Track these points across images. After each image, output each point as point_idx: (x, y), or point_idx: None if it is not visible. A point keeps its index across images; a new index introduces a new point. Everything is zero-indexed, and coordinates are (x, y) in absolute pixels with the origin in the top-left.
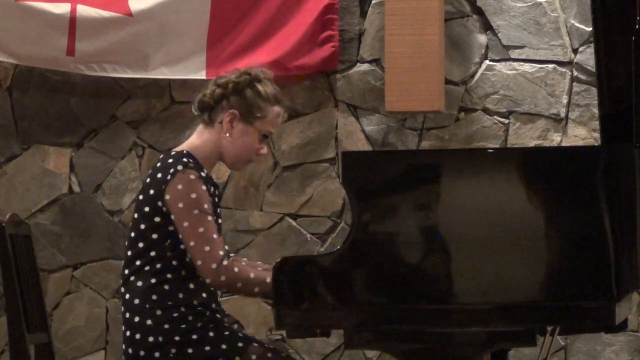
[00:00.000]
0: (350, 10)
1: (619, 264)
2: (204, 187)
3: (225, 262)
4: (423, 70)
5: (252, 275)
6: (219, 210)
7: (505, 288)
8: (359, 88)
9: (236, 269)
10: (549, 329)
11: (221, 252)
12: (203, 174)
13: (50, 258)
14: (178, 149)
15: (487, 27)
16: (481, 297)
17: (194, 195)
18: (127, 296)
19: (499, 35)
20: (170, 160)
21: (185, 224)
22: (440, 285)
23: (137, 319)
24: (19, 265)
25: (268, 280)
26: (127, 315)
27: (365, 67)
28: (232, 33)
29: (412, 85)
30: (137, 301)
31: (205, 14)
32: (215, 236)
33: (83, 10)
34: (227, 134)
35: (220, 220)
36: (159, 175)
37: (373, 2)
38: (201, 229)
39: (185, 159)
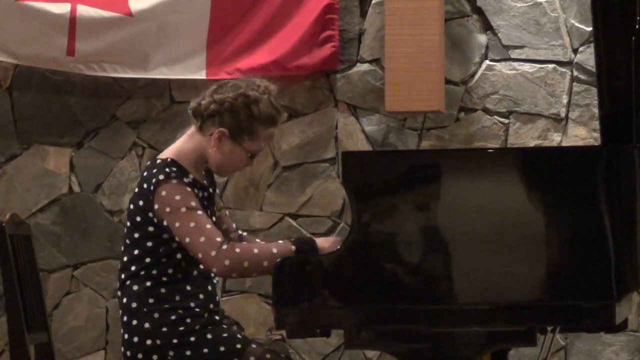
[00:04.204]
0: (350, 10)
1: (619, 264)
2: (188, 189)
3: (225, 247)
4: (423, 70)
5: (255, 250)
6: (209, 211)
7: (505, 288)
8: (359, 88)
9: (238, 250)
10: (549, 328)
11: (218, 239)
12: (187, 180)
13: (50, 258)
14: (163, 155)
15: (487, 27)
16: (481, 297)
17: (177, 197)
18: (125, 300)
19: (499, 35)
20: (154, 170)
21: (177, 224)
22: (440, 285)
23: (134, 322)
24: (19, 265)
25: (275, 250)
26: (125, 318)
27: (365, 67)
28: (232, 33)
29: (412, 85)
30: (134, 305)
31: (205, 14)
32: (208, 226)
33: (83, 10)
34: (215, 149)
35: (214, 218)
36: (145, 185)
37: (373, 2)
38: (192, 224)
39: (167, 169)
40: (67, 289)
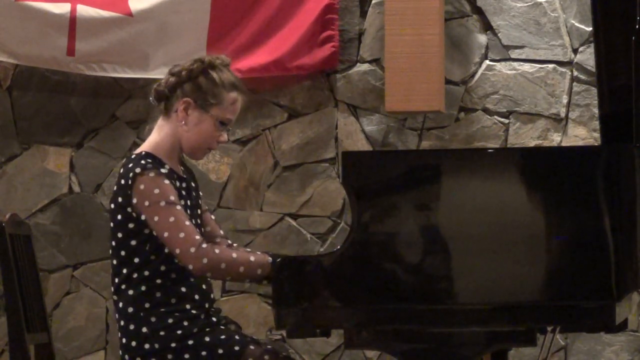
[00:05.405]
0: (350, 10)
1: (619, 264)
2: (166, 181)
3: (204, 245)
4: (423, 70)
5: (234, 255)
6: (189, 202)
7: (505, 288)
8: (359, 88)
9: (217, 250)
10: (549, 328)
11: (197, 237)
12: (164, 170)
13: (50, 258)
14: (138, 150)
15: (487, 27)
16: (481, 297)
17: (157, 191)
18: (121, 304)
19: (499, 35)
20: (130, 165)
21: (156, 218)
22: (440, 285)
23: (132, 326)
24: (19, 265)
25: (252, 259)
26: (122, 322)
27: (365, 67)
28: (232, 33)
29: (412, 85)
30: (130, 309)
31: (205, 14)
32: (187, 223)
33: (83, 10)
34: (183, 123)
35: (199, 211)
36: (122, 181)
37: (373, 2)
38: (172, 219)
39: (142, 161)
40: (67, 289)
